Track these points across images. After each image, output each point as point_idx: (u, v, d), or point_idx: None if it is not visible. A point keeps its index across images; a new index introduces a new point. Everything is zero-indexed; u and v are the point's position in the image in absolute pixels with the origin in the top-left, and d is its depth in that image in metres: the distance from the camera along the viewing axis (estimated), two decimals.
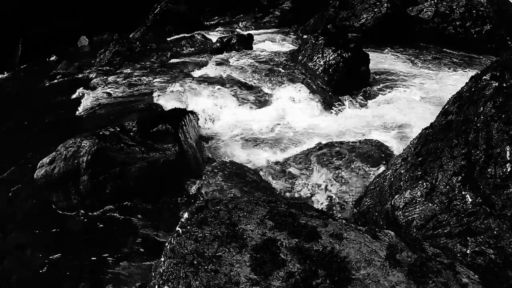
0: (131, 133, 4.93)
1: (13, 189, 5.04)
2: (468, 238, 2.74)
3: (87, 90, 8.05)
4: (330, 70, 7.50)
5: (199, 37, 11.08)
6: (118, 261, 3.78)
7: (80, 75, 9.29)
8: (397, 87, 7.71)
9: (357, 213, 3.93)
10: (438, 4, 10.70)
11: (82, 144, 4.52)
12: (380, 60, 9.31)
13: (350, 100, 7.20)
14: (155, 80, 8.25)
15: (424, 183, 3.14)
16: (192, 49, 10.45)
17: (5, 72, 11.10)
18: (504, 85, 2.94)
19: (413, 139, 3.84)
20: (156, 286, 2.25)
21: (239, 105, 6.75)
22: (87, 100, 7.53)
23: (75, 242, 4.17)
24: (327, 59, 7.59)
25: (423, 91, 7.39)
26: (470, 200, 2.84)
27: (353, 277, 2.12)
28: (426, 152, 3.33)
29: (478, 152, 2.90)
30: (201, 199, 4.54)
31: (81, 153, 4.47)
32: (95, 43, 13.00)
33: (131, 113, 6.45)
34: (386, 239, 2.40)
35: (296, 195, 4.65)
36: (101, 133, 4.71)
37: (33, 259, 3.94)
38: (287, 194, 4.68)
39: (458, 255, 2.71)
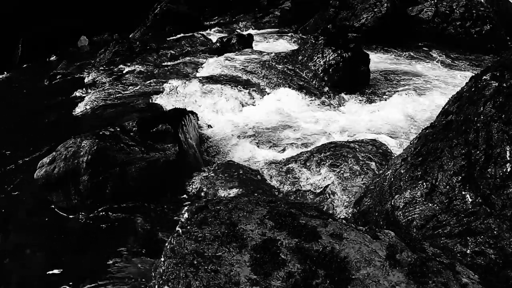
0: (131, 133, 4.92)
1: (13, 189, 5.04)
2: (468, 238, 2.74)
3: (87, 90, 8.05)
4: (330, 70, 7.51)
5: (199, 37, 11.07)
6: (118, 261, 3.78)
7: (80, 75, 9.29)
8: (397, 87, 7.72)
9: (357, 213, 3.93)
10: (438, 4, 10.70)
11: (82, 144, 4.52)
12: (380, 60, 9.32)
13: (350, 100, 7.21)
14: (155, 80, 8.25)
15: (424, 183, 3.14)
16: (192, 49, 10.44)
17: (5, 72, 11.09)
18: (504, 85, 2.94)
19: (413, 139, 3.84)
20: (156, 286, 2.25)
21: (239, 105, 6.76)
22: (87, 100, 7.53)
23: (75, 242, 4.17)
24: (327, 59, 7.59)
25: (423, 91, 7.39)
26: (470, 200, 2.84)
27: (353, 277, 2.12)
28: (426, 152, 3.32)
29: (478, 152, 2.90)
30: (201, 199, 4.54)
31: (81, 153, 4.47)
32: (95, 43, 12.99)
33: (131, 113, 6.46)
34: (386, 239, 2.40)
35: (296, 195, 4.65)
36: (101, 133, 4.71)
37: (33, 259, 3.94)
38: (287, 194, 4.68)
39: (458, 255, 2.71)
